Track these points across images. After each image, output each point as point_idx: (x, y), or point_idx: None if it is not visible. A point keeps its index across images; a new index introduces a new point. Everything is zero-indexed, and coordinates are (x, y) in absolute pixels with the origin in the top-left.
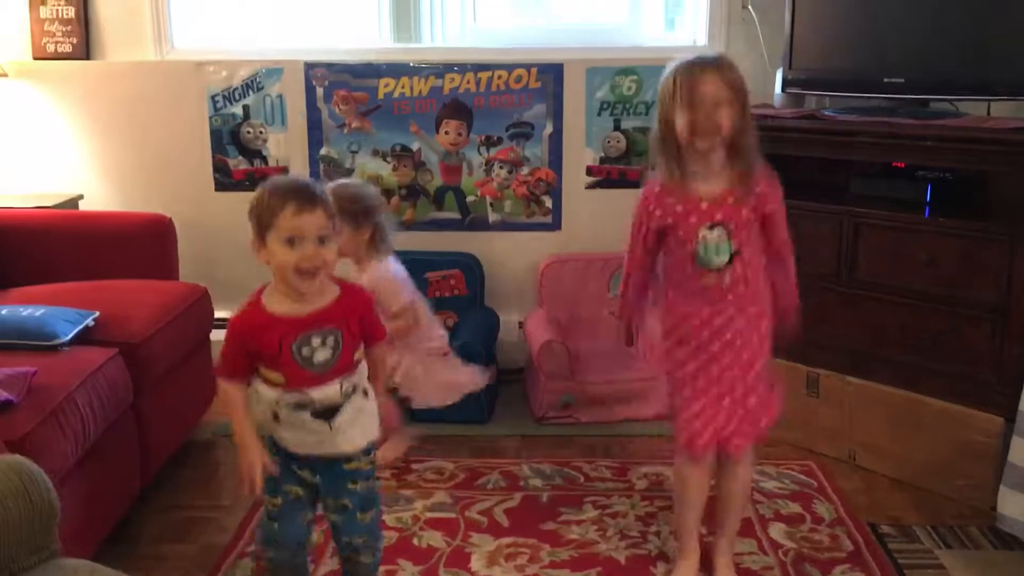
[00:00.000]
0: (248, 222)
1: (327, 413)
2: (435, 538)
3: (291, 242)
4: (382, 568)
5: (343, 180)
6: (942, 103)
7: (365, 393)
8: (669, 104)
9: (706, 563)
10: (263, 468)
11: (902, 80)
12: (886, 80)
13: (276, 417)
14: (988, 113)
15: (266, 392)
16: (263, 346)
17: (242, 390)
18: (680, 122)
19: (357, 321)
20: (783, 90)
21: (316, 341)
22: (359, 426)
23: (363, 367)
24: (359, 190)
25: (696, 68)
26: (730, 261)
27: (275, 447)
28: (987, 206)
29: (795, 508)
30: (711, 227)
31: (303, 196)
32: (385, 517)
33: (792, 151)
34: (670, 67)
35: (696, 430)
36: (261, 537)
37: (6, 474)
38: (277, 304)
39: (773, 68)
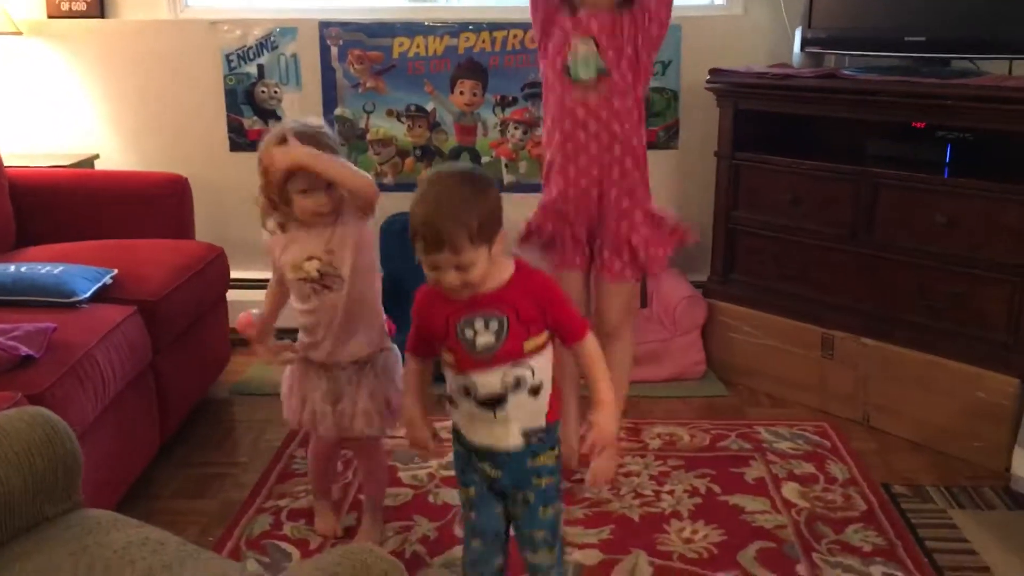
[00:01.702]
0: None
1: (490, 402)
2: (450, 495)
3: (430, 268)
4: (397, 524)
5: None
6: (963, 62)
7: (535, 393)
8: None
9: None
10: (427, 448)
11: (923, 39)
12: (907, 39)
13: (452, 402)
14: (1010, 72)
15: (446, 374)
16: (432, 324)
17: (421, 364)
18: None
19: (531, 308)
20: (802, 49)
21: (479, 324)
22: (524, 422)
23: (538, 364)
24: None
25: None
26: (596, 79)
27: (460, 437)
28: (1007, 167)
29: (809, 468)
30: (584, 40)
31: (429, 234)
32: (400, 474)
33: (811, 111)
34: None
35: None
36: (465, 529)
37: (30, 426)
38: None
39: (792, 27)
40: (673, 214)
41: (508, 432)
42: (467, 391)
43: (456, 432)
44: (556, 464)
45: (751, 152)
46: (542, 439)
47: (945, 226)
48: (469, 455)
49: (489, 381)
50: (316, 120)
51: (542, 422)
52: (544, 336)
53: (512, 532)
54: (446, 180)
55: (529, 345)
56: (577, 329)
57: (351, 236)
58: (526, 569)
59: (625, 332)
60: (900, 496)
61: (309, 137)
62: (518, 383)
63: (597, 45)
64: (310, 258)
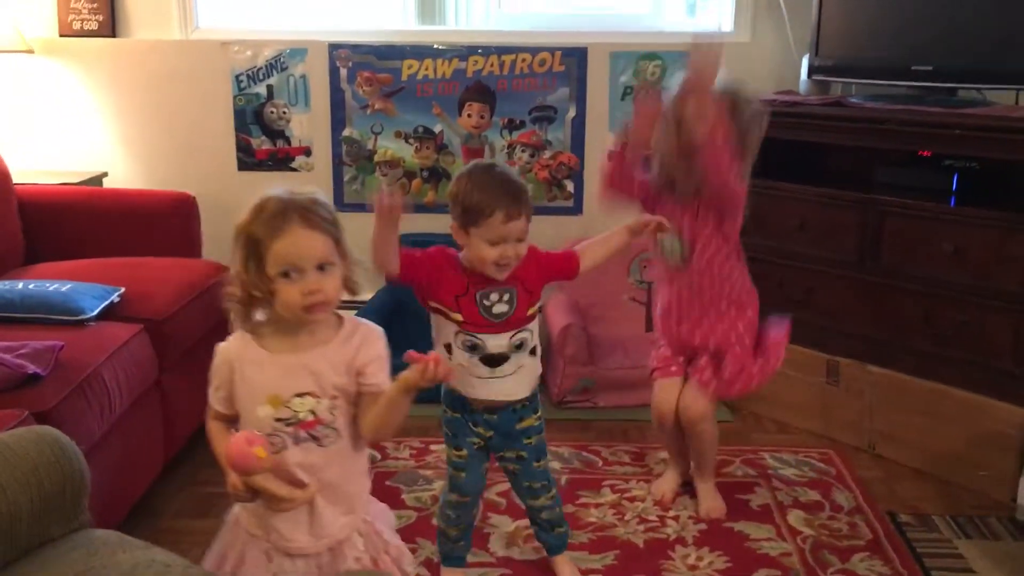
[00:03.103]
0: None
1: (494, 361)
2: None
3: (494, 243)
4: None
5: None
6: (970, 91)
7: (533, 352)
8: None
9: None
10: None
11: (930, 68)
12: (914, 68)
13: (449, 350)
14: (1016, 102)
15: (446, 324)
16: (450, 282)
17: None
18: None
19: (533, 277)
20: (809, 77)
21: (495, 296)
22: (518, 380)
23: (534, 328)
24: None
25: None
26: (686, 260)
27: (454, 404)
28: (1013, 196)
29: (814, 496)
30: (669, 237)
31: (512, 201)
32: (404, 496)
33: (817, 138)
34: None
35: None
36: (450, 486)
37: (39, 445)
38: (469, 265)
39: (799, 54)
40: (775, 337)
41: (501, 388)
42: (474, 347)
43: (451, 399)
44: (540, 424)
45: (758, 178)
46: (526, 405)
47: (952, 255)
48: (464, 421)
49: (499, 342)
50: (314, 191)
51: (534, 385)
52: (539, 302)
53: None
54: (498, 166)
55: (531, 311)
56: (571, 257)
57: (366, 360)
58: (527, 512)
59: (708, 417)
60: (906, 525)
61: (319, 217)
62: (521, 344)
63: (680, 237)
64: (302, 394)
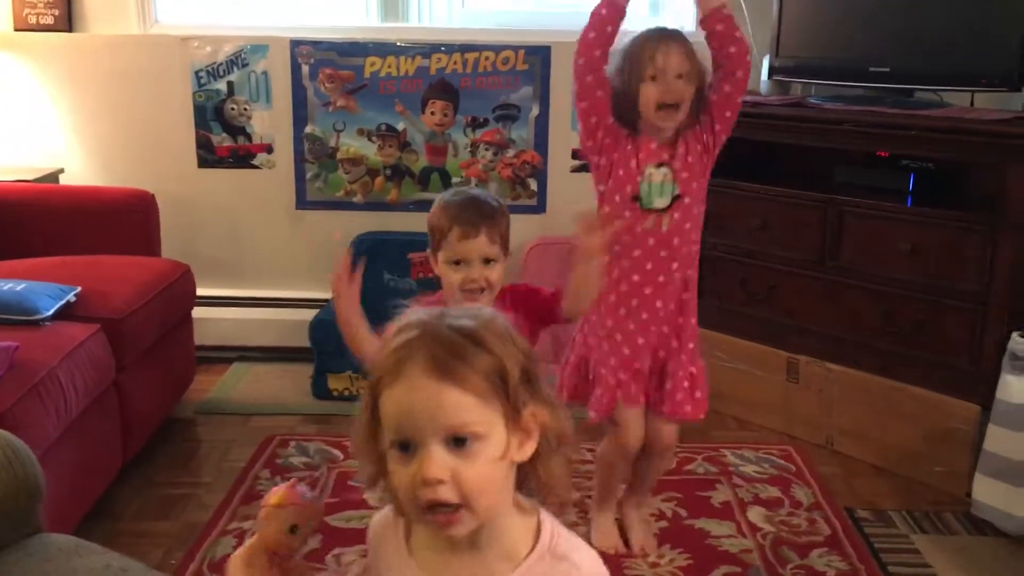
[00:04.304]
0: (233, 199)
1: None
2: None
3: (457, 264)
4: (362, 547)
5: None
6: (927, 93)
7: None
8: (633, 73)
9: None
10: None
11: (887, 69)
12: (872, 69)
13: None
14: (972, 104)
15: None
16: None
17: None
18: (645, 94)
19: (521, 318)
20: (769, 77)
21: None
22: None
23: None
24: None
25: (664, 39)
26: (670, 205)
27: None
28: (969, 196)
29: (774, 492)
30: (658, 165)
31: (469, 219)
32: (367, 495)
33: (777, 138)
34: (636, 35)
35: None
36: None
37: None
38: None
39: (760, 55)
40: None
41: None
42: None
43: None
44: None
45: (720, 177)
46: None
47: (909, 254)
48: None
49: None
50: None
51: None
52: None
53: None
54: (469, 190)
55: None
56: (556, 300)
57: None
58: None
59: (672, 446)
60: (863, 520)
61: (463, 361)
62: None
63: (672, 170)
64: None
